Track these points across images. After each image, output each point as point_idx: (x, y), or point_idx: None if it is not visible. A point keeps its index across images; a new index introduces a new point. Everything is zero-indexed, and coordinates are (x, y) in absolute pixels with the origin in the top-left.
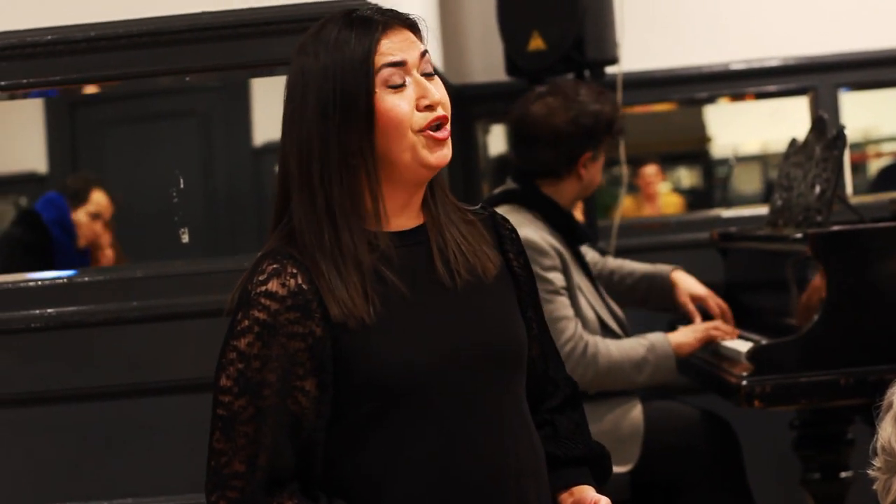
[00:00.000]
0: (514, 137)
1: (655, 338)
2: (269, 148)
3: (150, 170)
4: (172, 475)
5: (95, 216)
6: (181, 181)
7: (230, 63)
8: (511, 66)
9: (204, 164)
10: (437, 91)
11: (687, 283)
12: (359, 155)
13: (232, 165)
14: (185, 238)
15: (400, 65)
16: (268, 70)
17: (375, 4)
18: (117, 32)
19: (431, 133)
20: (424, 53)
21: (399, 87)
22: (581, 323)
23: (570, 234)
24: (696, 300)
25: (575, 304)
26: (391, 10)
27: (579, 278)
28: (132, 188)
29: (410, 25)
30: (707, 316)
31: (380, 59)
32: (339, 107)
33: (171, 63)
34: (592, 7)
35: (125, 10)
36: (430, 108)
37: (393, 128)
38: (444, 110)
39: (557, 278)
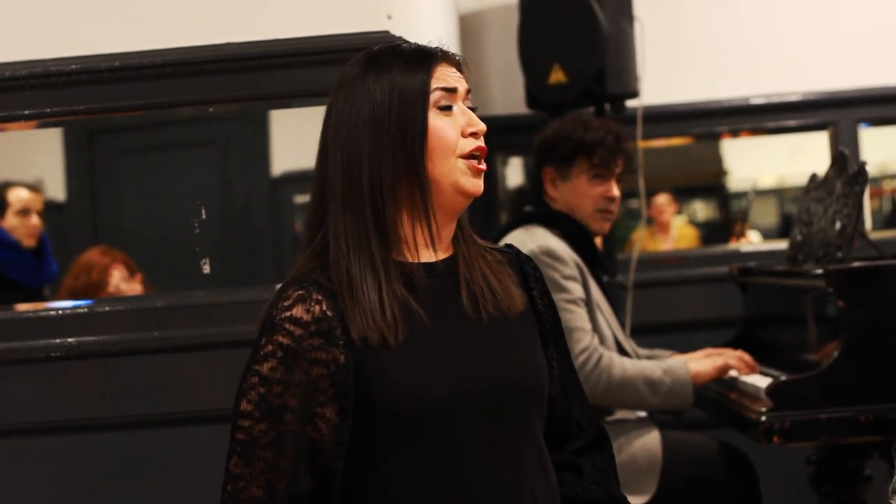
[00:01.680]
0: None
1: (674, 362)
2: (287, 178)
3: (170, 199)
4: None
5: (25, 212)
6: (203, 211)
7: (252, 94)
8: (531, 98)
9: (222, 193)
10: (482, 123)
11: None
12: (413, 173)
13: (250, 195)
14: (207, 269)
15: (451, 91)
16: (286, 102)
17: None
18: (141, 62)
19: (473, 162)
20: (469, 91)
21: (447, 111)
22: (598, 338)
23: (589, 253)
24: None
25: (592, 318)
26: (444, 48)
27: (598, 296)
28: (152, 218)
29: (457, 64)
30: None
31: (435, 83)
32: (396, 124)
33: (194, 93)
34: (613, 40)
35: (148, 40)
36: (474, 135)
37: (440, 148)
38: (483, 143)
39: (576, 288)
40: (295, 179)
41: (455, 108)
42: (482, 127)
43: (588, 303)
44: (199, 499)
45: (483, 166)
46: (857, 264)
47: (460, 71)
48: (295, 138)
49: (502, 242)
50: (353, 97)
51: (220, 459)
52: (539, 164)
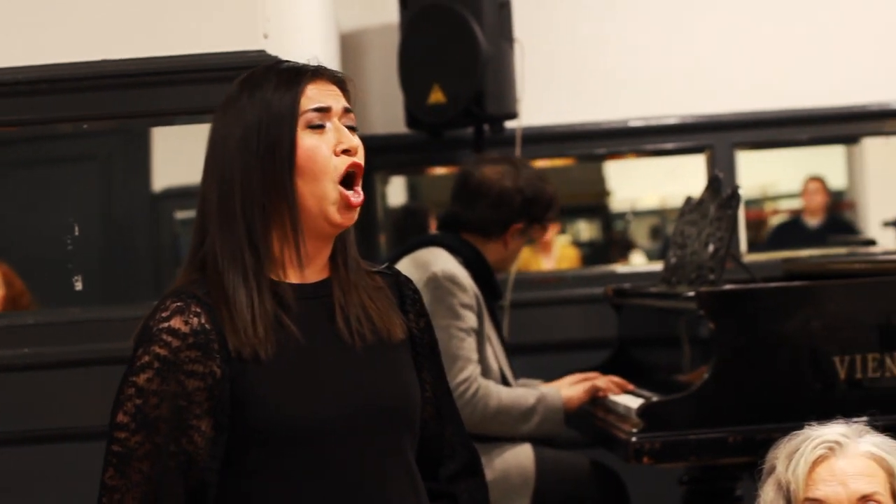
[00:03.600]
0: (457, 189)
1: (547, 390)
2: (168, 194)
3: (47, 214)
4: None
5: None
6: (76, 227)
7: (130, 111)
8: (411, 118)
9: (102, 208)
10: (356, 139)
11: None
12: (280, 191)
13: (131, 210)
14: (79, 285)
15: (324, 110)
16: (167, 120)
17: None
18: (16, 78)
19: (347, 194)
20: (349, 110)
21: (319, 129)
22: (483, 371)
23: (490, 289)
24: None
25: (482, 350)
26: (321, 66)
27: (490, 330)
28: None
29: (338, 81)
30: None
31: (305, 102)
32: (264, 140)
33: (71, 110)
34: (493, 62)
35: (24, 56)
36: (347, 152)
37: (310, 168)
38: (359, 159)
39: (470, 318)
40: (176, 195)
41: (328, 126)
42: (354, 143)
43: (480, 334)
44: None
45: (357, 199)
46: (728, 287)
47: (341, 88)
48: (176, 154)
49: (406, 259)
50: (228, 118)
51: (95, 476)
52: (512, 216)
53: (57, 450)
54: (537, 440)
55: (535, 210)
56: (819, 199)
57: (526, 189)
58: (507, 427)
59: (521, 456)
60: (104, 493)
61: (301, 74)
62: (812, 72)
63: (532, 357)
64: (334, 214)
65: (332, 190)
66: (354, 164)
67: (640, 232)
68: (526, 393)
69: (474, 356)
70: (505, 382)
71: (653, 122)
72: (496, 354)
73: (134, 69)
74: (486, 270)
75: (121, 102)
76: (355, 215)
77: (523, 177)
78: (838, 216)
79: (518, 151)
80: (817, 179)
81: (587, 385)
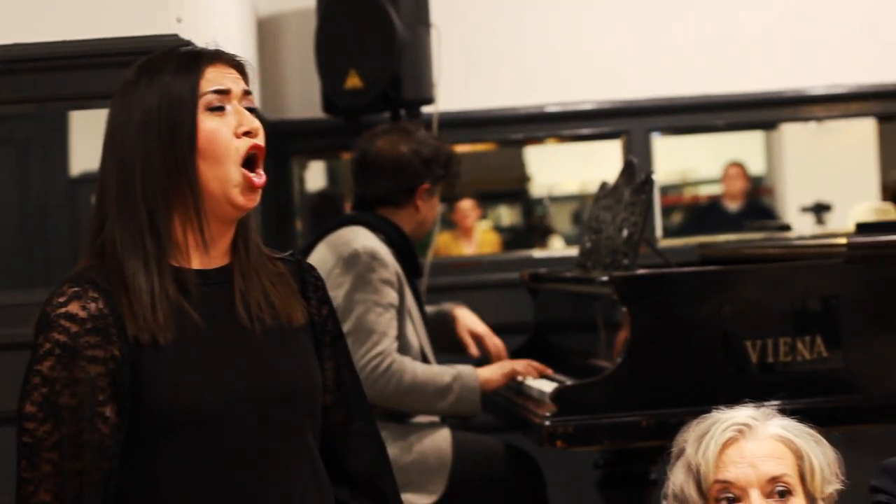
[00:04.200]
0: (356, 169)
1: (464, 369)
2: (86, 178)
3: None
4: None
5: None
6: None
7: (47, 95)
8: (328, 103)
9: (19, 193)
10: (256, 121)
11: (467, 319)
12: (182, 175)
13: (48, 195)
14: None
15: (224, 92)
16: (85, 103)
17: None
18: None
19: (250, 176)
20: (248, 93)
21: (219, 111)
22: (403, 347)
23: (410, 262)
24: (475, 337)
25: (401, 325)
26: (219, 50)
27: (412, 305)
28: None
29: (237, 65)
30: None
31: (205, 85)
32: (164, 124)
33: None
34: (409, 47)
35: None
36: (248, 134)
37: (212, 150)
38: (260, 140)
39: (390, 294)
40: (94, 180)
41: (228, 109)
42: (255, 125)
43: (400, 311)
44: None
45: (260, 181)
46: (641, 272)
47: (240, 72)
48: (95, 139)
49: (324, 241)
50: (127, 103)
51: (13, 462)
52: (414, 179)
53: None
54: (456, 423)
55: (435, 167)
56: (739, 185)
57: (422, 149)
58: (422, 404)
59: (438, 439)
60: (20, 485)
61: (200, 58)
62: (728, 58)
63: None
64: (237, 197)
65: (235, 172)
66: (255, 146)
67: (560, 217)
68: (442, 370)
69: (391, 332)
70: (425, 360)
71: (570, 108)
72: (417, 332)
73: (49, 53)
74: (408, 248)
75: (38, 86)
76: (258, 197)
77: (416, 139)
78: (757, 201)
79: None
80: (737, 165)
81: (506, 368)
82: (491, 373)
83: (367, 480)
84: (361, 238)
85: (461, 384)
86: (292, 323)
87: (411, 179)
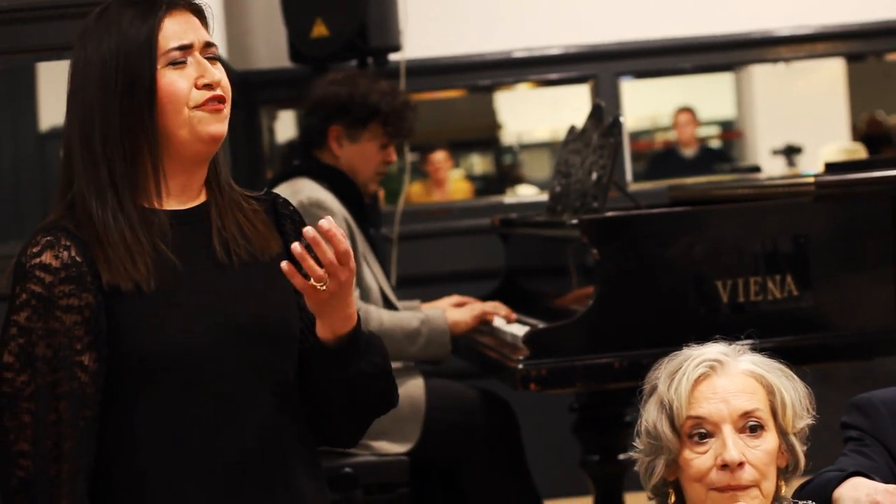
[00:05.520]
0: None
1: (431, 312)
2: (55, 133)
3: None
4: None
5: None
6: None
7: (13, 47)
8: (294, 52)
9: None
10: (218, 73)
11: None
12: (140, 130)
13: (17, 150)
14: None
15: (185, 48)
16: (54, 55)
17: None
18: None
19: (206, 106)
20: (210, 44)
21: (180, 65)
22: (362, 292)
23: (357, 206)
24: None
25: (359, 271)
26: None
27: (365, 249)
28: None
29: (196, 11)
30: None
31: (166, 40)
32: (122, 81)
33: None
34: None
35: None
36: (208, 87)
37: (171, 103)
38: (222, 91)
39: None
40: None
41: (189, 61)
42: (216, 78)
43: (355, 257)
44: None
45: (216, 106)
46: (610, 214)
47: (199, 17)
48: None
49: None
50: (86, 54)
51: None
52: (326, 120)
53: None
54: (428, 369)
55: (354, 112)
56: (689, 130)
57: (339, 91)
58: (391, 350)
59: (411, 387)
60: (1, 434)
61: (157, 5)
62: (695, 1)
63: (421, 289)
64: (203, 131)
65: (195, 113)
66: (215, 97)
67: (533, 164)
68: (409, 315)
69: None
70: (386, 302)
71: (536, 53)
72: (375, 275)
73: (15, 3)
74: (354, 193)
75: (3, 38)
76: (223, 127)
77: (355, 83)
78: (709, 146)
79: (402, 83)
80: (687, 110)
81: (476, 310)
82: (460, 315)
83: None
84: (307, 189)
85: (430, 327)
86: (266, 256)
87: (321, 121)
